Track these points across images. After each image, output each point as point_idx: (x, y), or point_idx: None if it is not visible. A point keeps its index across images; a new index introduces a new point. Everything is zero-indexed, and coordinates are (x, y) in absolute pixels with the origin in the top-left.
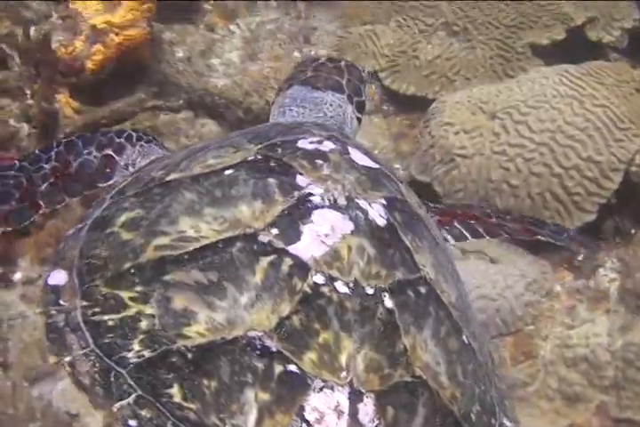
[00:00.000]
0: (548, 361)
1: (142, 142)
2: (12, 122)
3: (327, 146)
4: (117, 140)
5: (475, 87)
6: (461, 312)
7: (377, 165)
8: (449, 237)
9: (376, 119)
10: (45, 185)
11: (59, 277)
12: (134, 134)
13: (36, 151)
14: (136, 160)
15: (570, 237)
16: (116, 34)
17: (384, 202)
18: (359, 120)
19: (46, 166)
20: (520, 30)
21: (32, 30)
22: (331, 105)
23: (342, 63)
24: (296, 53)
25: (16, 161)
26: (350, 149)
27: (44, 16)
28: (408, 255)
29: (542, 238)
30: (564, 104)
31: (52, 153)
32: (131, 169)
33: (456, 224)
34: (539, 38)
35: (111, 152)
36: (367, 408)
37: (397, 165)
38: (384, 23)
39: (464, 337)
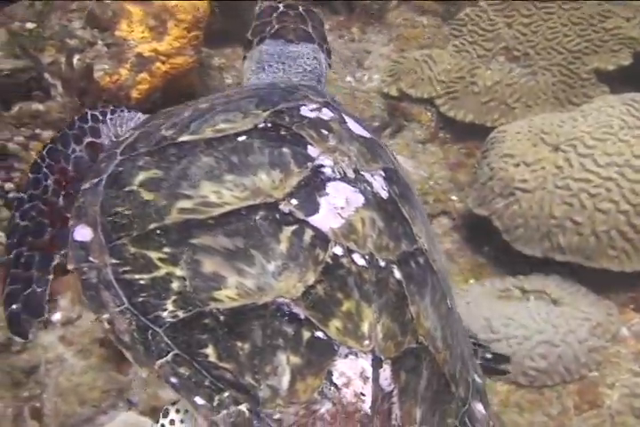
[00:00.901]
0: (615, 411)
1: (109, 116)
2: None
3: (326, 114)
4: (87, 126)
5: (536, 116)
6: (443, 276)
7: (369, 135)
8: None
9: (432, 148)
10: (61, 199)
11: (84, 233)
12: (97, 113)
13: (30, 176)
14: (118, 131)
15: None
16: (163, 62)
17: (383, 174)
18: (330, 66)
19: (49, 183)
20: (584, 55)
21: (76, 59)
22: (307, 58)
23: (301, 9)
24: (349, 78)
25: (20, 194)
26: (346, 118)
27: (89, 44)
28: (408, 227)
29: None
30: (633, 136)
31: (45, 169)
32: (114, 138)
33: None
34: (604, 64)
35: (90, 139)
36: (386, 373)
37: (454, 197)
38: (441, 47)
39: (448, 301)
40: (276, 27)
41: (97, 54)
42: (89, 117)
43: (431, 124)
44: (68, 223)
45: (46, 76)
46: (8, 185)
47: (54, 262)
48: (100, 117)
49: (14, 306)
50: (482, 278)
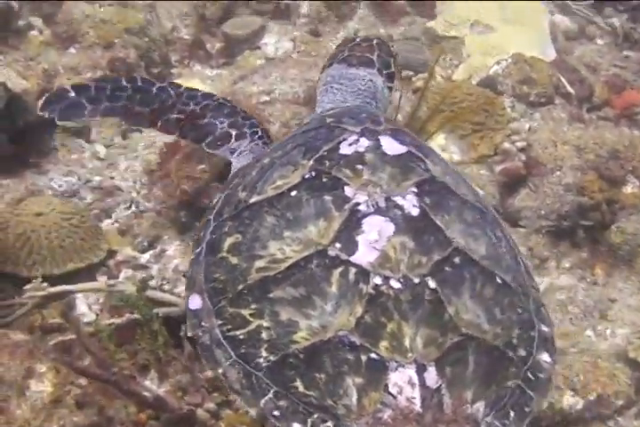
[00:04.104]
0: None
1: (257, 141)
2: None
3: (363, 144)
4: (245, 131)
5: None
6: (491, 256)
7: (405, 148)
8: None
9: None
10: (174, 115)
11: (196, 302)
12: (259, 131)
13: (198, 93)
14: (244, 152)
15: None
16: None
17: (415, 190)
18: (390, 89)
19: (190, 108)
20: None
21: None
22: (363, 79)
23: (374, 41)
24: (588, 331)
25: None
26: (381, 139)
27: None
28: (441, 235)
29: None
30: None
31: (202, 100)
32: (234, 155)
33: None
34: None
35: (234, 133)
36: (431, 375)
37: None
38: None
39: (497, 279)
40: (346, 54)
41: None
42: (253, 130)
43: None
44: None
45: None
46: None
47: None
48: (255, 137)
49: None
50: None
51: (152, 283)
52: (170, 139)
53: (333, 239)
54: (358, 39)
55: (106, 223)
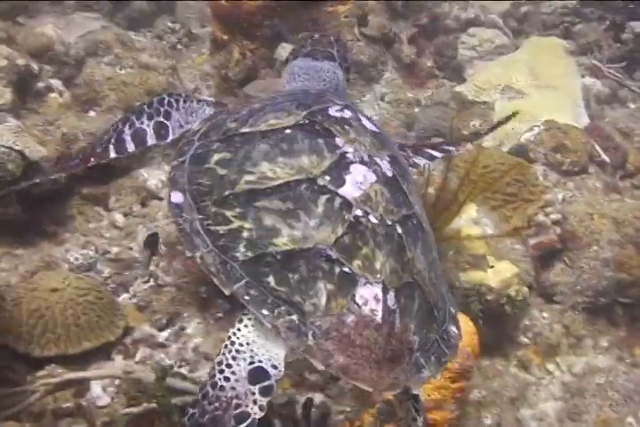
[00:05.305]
0: None
1: (182, 104)
2: None
3: (347, 114)
4: (163, 109)
5: None
6: (430, 236)
7: (379, 130)
8: (420, 158)
9: None
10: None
11: (178, 197)
12: (173, 100)
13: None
14: (187, 119)
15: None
16: None
17: (388, 159)
18: (348, 80)
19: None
20: None
21: None
22: (327, 72)
23: (332, 38)
24: (630, 419)
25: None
26: (361, 117)
27: None
28: (406, 197)
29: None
30: None
31: (116, 125)
32: (185, 126)
33: (424, 149)
34: None
35: (161, 119)
36: (391, 297)
37: None
38: None
39: (434, 253)
40: (309, 48)
41: None
42: (166, 102)
43: None
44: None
45: None
46: None
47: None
48: (174, 104)
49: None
50: None
51: (169, 363)
52: None
53: (324, 172)
54: (317, 35)
55: (123, 298)
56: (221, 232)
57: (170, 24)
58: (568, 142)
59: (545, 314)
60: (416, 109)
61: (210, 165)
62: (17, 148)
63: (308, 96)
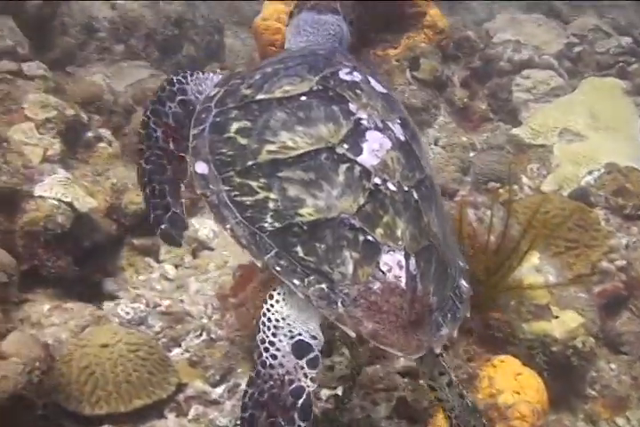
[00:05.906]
0: None
1: (189, 78)
2: None
3: (357, 76)
4: (175, 88)
5: None
6: (438, 192)
7: (386, 91)
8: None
9: None
10: (171, 144)
11: (202, 167)
12: (180, 77)
13: (142, 131)
14: (199, 89)
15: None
16: None
17: (399, 122)
18: (351, 33)
19: (158, 134)
20: None
21: None
22: (332, 25)
23: None
24: None
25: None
26: (369, 78)
27: None
28: (418, 161)
29: None
30: None
31: (152, 125)
32: (199, 96)
33: None
34: None
35: (181, 97)
36: (412, 262)
37: None
38: None
39: (444, 208)
40: (312, 3)
41: None
42: (175, 81)
43: None
44: (182, 159)
45: None
46: None
47: (182, 189)
48: (183, 80)
49: (163, 226)
50: None
51: (224, 422)
52: (244, 260)
53: (342, 140)
54: None
55: (175, 353)
56: (248, 203)
57: (219, 71)
58: (629, 186)
59: (612, 365)
60: (471, 154)
61: (230, 134)
62: (66, 200)
63: (318, 59)
